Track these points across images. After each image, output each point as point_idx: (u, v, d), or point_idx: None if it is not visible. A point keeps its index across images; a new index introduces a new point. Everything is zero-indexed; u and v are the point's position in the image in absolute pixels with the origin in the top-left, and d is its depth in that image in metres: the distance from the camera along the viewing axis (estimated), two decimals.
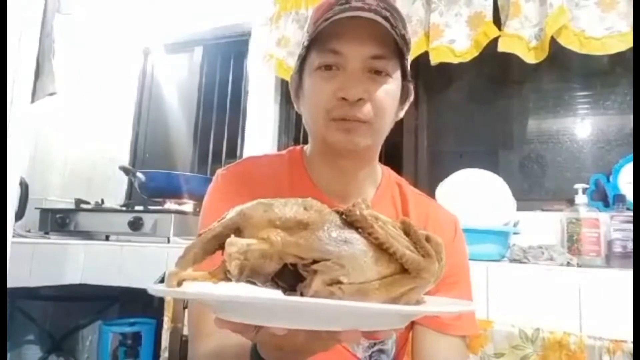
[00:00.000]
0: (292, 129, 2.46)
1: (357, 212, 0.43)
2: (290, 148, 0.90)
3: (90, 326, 2.30)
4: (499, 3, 1.87)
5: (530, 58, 1.78)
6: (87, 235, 2.03)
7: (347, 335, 0.40)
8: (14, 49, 1.57)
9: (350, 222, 0.44)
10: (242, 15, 2.46)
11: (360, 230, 0.43)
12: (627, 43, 1.66)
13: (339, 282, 0.40)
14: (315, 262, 0.41)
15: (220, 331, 0.69)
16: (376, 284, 0.41)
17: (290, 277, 0.42)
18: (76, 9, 2.08)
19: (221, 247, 0.44)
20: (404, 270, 0.42)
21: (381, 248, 0.42)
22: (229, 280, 0.42)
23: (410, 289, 0.42)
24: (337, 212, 0.45)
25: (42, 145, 2.36)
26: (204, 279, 0.43)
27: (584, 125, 1.94)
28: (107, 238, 2.03)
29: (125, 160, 2.72)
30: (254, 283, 0.43)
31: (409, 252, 0.42)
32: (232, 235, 0.42)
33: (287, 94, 2.37)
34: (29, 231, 2.03)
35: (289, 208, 0.43)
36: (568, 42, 1.72)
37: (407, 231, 0.45)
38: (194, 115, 2.71)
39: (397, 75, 0.76)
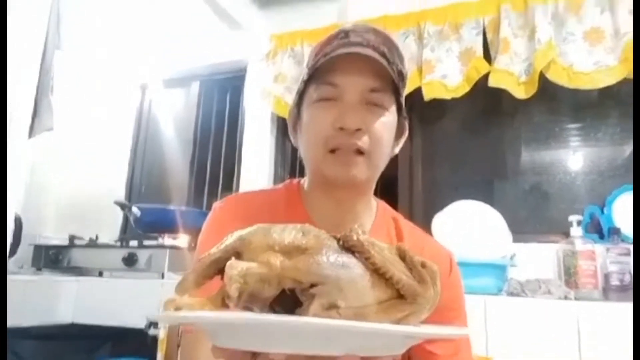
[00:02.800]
0: (288, 162, 2.48)
1: (355, 237, 0.44)
2: (287, 181, 0.90)
3: None
4: (489, 39, 1.92)
5: (520, 93, 1.81)
6: (80, 271, 2.01)
7: None
8: (14, 85, 1.59)
9: (348, 247, 0.44)
10: (238, 51, 2.51)
11: (357, 255, 0.44)
12: (615, 77, 1.70)
13: (337, 306, 0.40)
14: (313, 286, 0.41)
15: None
16: (373, 309, 0.41)
17: (288, 303, 0.43)
18: (76, 46, 2.13)
19: (220, 272, 0.44)
20: (400, 296, 0.43)
21: (378, 273, 0.43)
22: (226, 306, 0.43)
23: (407, 314, 0.43)
24: (335, 237, 0.46)
25: (37, 180, 2.35)
26: (201, 306, 0.43)
27: (576, 157, 1.96)
28: (100, 274, 2.00)
29: (121, 194, 2.71)
30: (251, 309, 0.43)
31: (405, 277, 0.43)
32: (233, 258, 0.42)
33: (283, 128, 2.40)
34: (21, 267, 2.01)
35: (288, 233, 0.44)
36: (557, 77, 1.76)
37: (403, 257, 0.45)
38: (190, 149, 2.73)
39: (393, 109, 0.77)
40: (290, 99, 2.19)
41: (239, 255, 0.43)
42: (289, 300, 0.42)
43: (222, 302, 0.42)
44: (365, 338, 0.40)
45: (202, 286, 0.45)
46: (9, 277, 1.58)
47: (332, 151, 0.74)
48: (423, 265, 0.45)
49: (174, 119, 2.82)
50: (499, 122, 2.10)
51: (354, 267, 0.42)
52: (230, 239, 0.45)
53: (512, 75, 1.82)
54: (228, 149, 2.64)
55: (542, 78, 1.78)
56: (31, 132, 1.81)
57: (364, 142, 0.73)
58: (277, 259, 0.41)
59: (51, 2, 1.90)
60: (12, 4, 1.60)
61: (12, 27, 1.61)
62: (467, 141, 2.16)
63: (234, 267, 0.41)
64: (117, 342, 2.26)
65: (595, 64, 1.73)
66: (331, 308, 0.40)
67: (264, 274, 0.41)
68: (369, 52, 0.71)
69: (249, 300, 0.41)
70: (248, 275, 0.40)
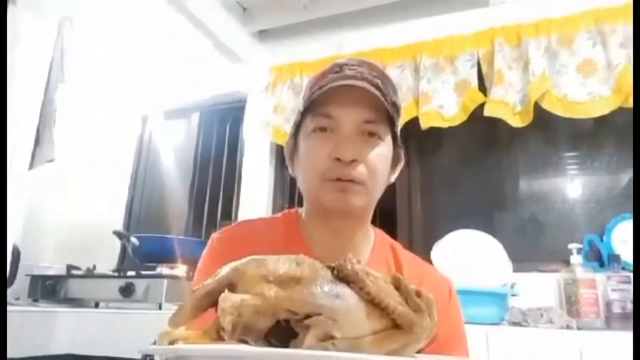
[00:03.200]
0: (287, 191, 2.49)
1: (349, 267, 0.44)
2: (286, 211, 0.90)
3: None
4: (484, 71, 1.96)
5: (516, 122, 1.84)
6: (77, 302, 1.98)
7: None
8: (15, 116, 1.61)
9: (342, 277, 0.44)
10: (238, 83, 2.56)
11: (352, 285, 0.43)
12: (608, 107, 1.73)
13: (332, 337, 0.40)
14: (308, 317, 0.41)
15: None
16: (369, 339, 0.41)
17: (282, 335, 0.42)
18: (78, 79, 2.17)
19: (214, 304, 0.44)
20: (395, 326, 0.43)
21: (373, 303, 0.42)
22: (221, 339, 0.42)
23: (403, 344, 0.42)
24: (329, 267, 0.45)
25: (36, 210, 2.35)
26: (196, 339, 0.43)
27: (574, 185, 1.97)
28: (97, 305, 1.98)
29: (119, 224, 2.71)
30: (246, 342, 0.42)
31: (400, 307, 0.43)
32: (226, 291, 0.42)
33: (282, 158, 2.42)
34: (18, 299, 1.99)
35: (282, 264, 0.44)
36: (551, 107, 1.79)
37: (398, 286, 0.45)
38: (189, 178, 2.74)
39: (388, 139, 0.79)
40: (289, 129, 2.21)
41: (233, 287, 0.43)
42: (284, 332, 0.42)
43: (217, 334, 0.42)
44: None
45: (196, 318, 0.45)
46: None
47: (329, 180, 0.75)
48: (418, 294, 0.45)
49: (174, 149, 2.84)
50: (496, 151, 2.12)
51: (348, 297, 0.42)
52: (224, 271, 0.45)
53: (507, 105, 1.85)
54: (227, 178, 2.65)
55: (538, 107, 1.81)
56: (32, 163, 1.83)
57: (359, 172, 0.74)
58: (271, 289, 0.41)
59: (56, 36, 1.95)
60: (16, 38, 1.64)
61: (17, 61, 1.64)
62: (465, 170, 2.17)
63: (228, 299, 0.41)
64: None
65: (589, 94, 1.77)
66: (326, 339, 0.40)
67: (258, 306, 0.41)
68: (363, 84, 0.73)
69: (244, 333, 0.41)
70: (242, 307, 0.40)
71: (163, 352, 0.44)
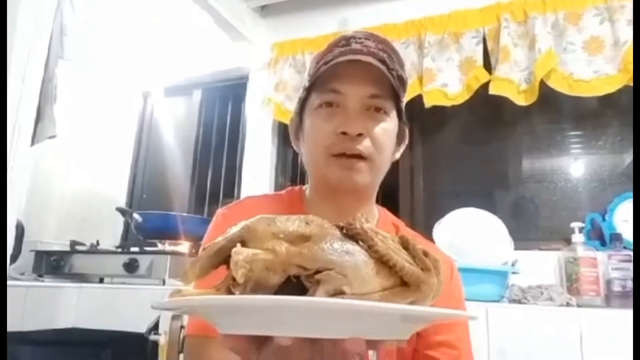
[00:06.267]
0: (289, 169, 2.49)
1: (358, 226, 0.44)
2: (289, 188, 0.91)
3: None
4: (489, 48, 1.94)
5: (521, 100, 1.82)
6: (82, 277, 2.00)
7: (352, 344, 0.39)
8: (16, 93, 1.60)
9: (351, 235, 0.45)
10: (240, 60, 2.53)
11: (360, 243, 0.44)
12: (614, 85, 1.71)
13: (342, 292, 0.40)
14: (318, 272, 0.41)
15: None
16: (377, 296, 0.41)
17: (293, 292, 0.42)
18: (78, 55, 2.14)
19: (224, 261, 0.44)
20: (403, 283, 0.43)
21: (381, 261, 0.43)
22: (232, 294, 0.43)
23: (411, 302, 0.43)
24: (338, 226, 0.46)
25: (39, 187, 2.36)
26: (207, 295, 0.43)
27: (577, 165, 1.97)
28: (101, 280, 2.00)
29: (122, 201, 2.72)
30: None
31: (408, 264, 0.43)
32: (239, 245, 0.43)
33: (284, 135, 2.41)
34: (22, 274, 2.01)
35: (291, 222, 0.44)
36: (557, 85, 1.77)
37: (406, 246, 0.46)
38: (191, 156, 2.74)
39: (394, 115, 0.79)
40: (290, 106, 2.20)
41: (243, 244, 0.43)
42: (294, 290, 0.42)
43: (228, 290, 0.43)
44: (371, 320, 0.40)
45: (207, 275, 0.45)
46: (11, 284, 1.58)
47: (335, 156, 0.74)
48: (425, 254, 0.45)
49: (176, 126, 2.83)
50: (499, 130, 2.11)
51: (357, 254, 0.43)
52: (235, 229, 0.45)
53: (512, 83, 1.83)
54: (229, 156, 2.65)
55: (543, 86, 1.79)
56: (33, 139, 1.82)
57: (365, 147, 0.74)
58: (282, 245, 0.42)
59: (54, 11, 1.92)
60: (15, 14, 1.62)
61: (15, 37, 1.62)
62: (468, 150, 2.17)
63: (240, 253, 0.41)
64: (118, 348, 2.25)
65: (595, 73, 1.75)
66: (336, 294, 0.40)
67: (269, 261, 0.41)
68: (369, 59, 0.73)
69: (255, 289, 0.41)
70: (254, 262, 0.41)
71: (177, 304, 0.44)
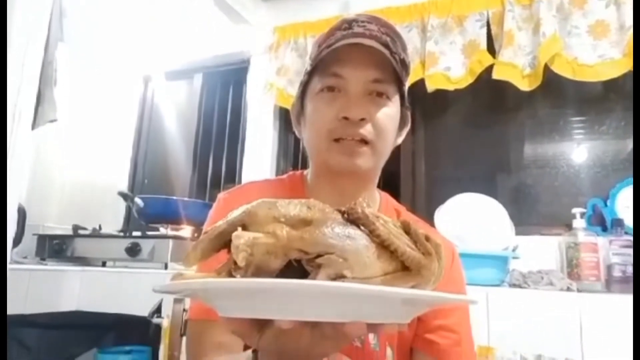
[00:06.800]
0: (291, 154, 2.48)
1: (359, 210, 0.44)
2: (290, 173, 0.90)
3: (85, 354, 2.26)
4: (493, 32, 1.91)
5: (524, 85, 1.81)
6: (84, 261, 2.02)
7: (352, 328, 0.39)
8: (16, 76, 1.59)
9: (352, 220, 0.44)
10: (241, 43, 2.51)
11: (362, 228, 0.44)
12: (619, 70, 1.69)
13: (343, 276, 0.40)
14: (319, 256, 0.41)
15: (219, 353, 0.68)
16: (378, 280, 0.41)
17: (294, 276, 0.42)
18: (78, 38, 2.13)
19: (225, 245, 0.44)
20: (405, 268, 0.43)
21: (383, 245, 0.43)
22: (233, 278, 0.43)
23: (412, 286, 0.43)
24: (339, 211, 0.46)
25: (41, 171, 2.36)
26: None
27: (580, 150, 1.96)
28: (103, 264, 2.01)
29: (124, 186, 2.72)
30: None
31: (409, 249, 0.43)
32: (239, 229, 0.43)
33: (285, 120, 2.40)
34: (25, 257, 2.02)
35: (293, 206, 0.44)
36: (561, 70, 1.76)
37: (407, 230, 0.46)
38: (192, 141, 2.73)
39: (396, 99, 0.78)
40: (293, 91, 2.19)
41: (244, 228, 0.43)
42: (295, 274, 0.42)
43: (229, 274, 0.43)
44: (372, 304, 0.40)
45: (208, 258, 0.45)
46: (14, 267, 1.59)
47: (337, 140, 0.74)
48: (427, 238, 0.45)
49: (177, 111, 2.82)
50: (502, 115, 2.09)
51: (359, 238, 0.42)
52: (235, 212, 0.45)
53: (516, 68, 1.81)
54: (231, 141, 2.64)
55: (546, 71, 1.77)
56: (34, 123, 1.82)
57: (368, 131, 0.74)
58: (283, 229, 0.42)
59: None
60: None
61: (14, 19, 1.61)
62: (470, 135, 2.16)
63: (241, 236, 0.41)
64: (121, 331, 2.28)
65: (599, 57, 1.73)
66: (337, 278, 0.40)
67: (270, 245, 0.41)
68: (371, 42, 0.72)
69: (256, 273, 0.41)
70: (255, 245, 0.41)
71: (178, 288, 0.44)
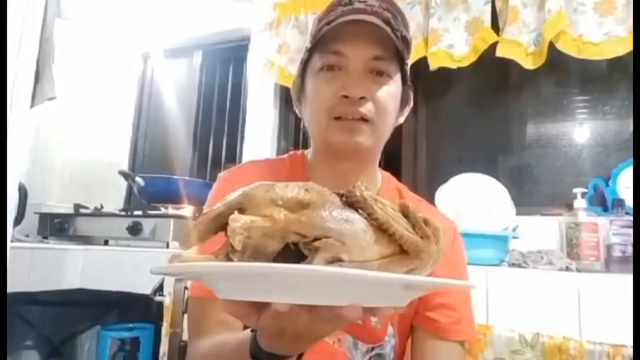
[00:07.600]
0: (292, 133, 2.47)
1: (358, 193, 0.44)
2: (291, 152, 0.90)
3: (88, 331, 2.30)
4: (497, 8, 1.88)
5: (528, 63, 1.78)
6: (86, 240, 2.03)
7: (349, 311, 0.40)
8: (14, 54, 1.57)
9: (351, 203, 0.44)
10: (241, 20, 2.47)
11: (360, 211, 0.44)
12: (625, 48, 1.67)
13: (340, 260, 0.40)
14: (316, 239, 0.41)
15: (219, 330, 0.69)
16: (376, 264, 0.41)
17: (291, 259, 0.43)
18: (76, 14, 2.09)
19: (223, 227, 0.44)
20: (403, 251, 0.43)
21: (381, 229, 0.43)
22: (230, 261, 0.43)
23: (409, 270, 0.43)
24: (338, 194, 0.46)
25: (41, 150, 2.36)
26: (206, 261, 0.44)
27: (582, 130, 1.94)
28: (106, 243, 2.02)
29: (125, 165, 2.72)
30: None
31: (407, 233, 0.43)
32: (236, 212, 0.42)
33: (286, 99, 2.38)
34: (27, 236, 2.03)
35: (290, 189, 0.44)
36: (566, 47, 1.73)
37: (406, 214, 0.45)
38: (193, 119, 2.72)
39: (398, 78, 0.77)
40: (293, 70, 2.16)
41: (242, 211, 0.43)
42: (292, 257, 0.42)
43: (227, 257, 0.43)
44: (369, 288, 0.40)
45: (206, 240, 0.45)
46: (15, 245, 1.60)
47: (337, 119, 0.73)
48: (426, 222, 0.45)
49: (177, 88, 2.80)
50: (504, 95, 2.07)
51: (357, 222, 0.42)
52: (233, 195, 0.45)
53: (520, 46, 1.78)
54: (231, 119, 2.63)
55: (550, 50, 1.75)
56: (33, 101, 1.80)
57: (368, 110, 0.73)
58: (280, 212, 0.41)
59: None
60: None
61: None
62: (473, 114, 2.14)
63: (237, 220, 0.41)
64: (124, 309, 2.31)
65: (605, 35, 1.70)
66: (334, 262, 0.40)
67: (267, 228, 0.41)
68: (372, 19, 0.71)
69: (253, 256, 0.41)
70: (252, 229, 0.40)
71: (175, 270, 0.44)
